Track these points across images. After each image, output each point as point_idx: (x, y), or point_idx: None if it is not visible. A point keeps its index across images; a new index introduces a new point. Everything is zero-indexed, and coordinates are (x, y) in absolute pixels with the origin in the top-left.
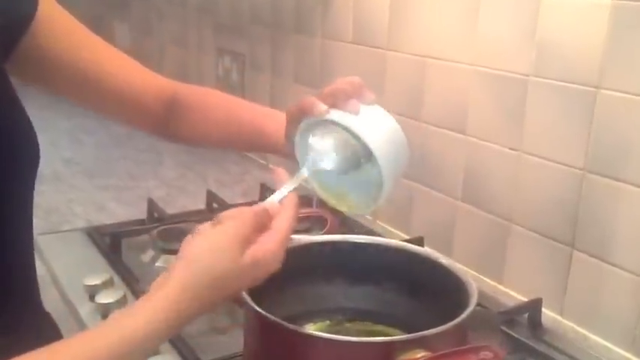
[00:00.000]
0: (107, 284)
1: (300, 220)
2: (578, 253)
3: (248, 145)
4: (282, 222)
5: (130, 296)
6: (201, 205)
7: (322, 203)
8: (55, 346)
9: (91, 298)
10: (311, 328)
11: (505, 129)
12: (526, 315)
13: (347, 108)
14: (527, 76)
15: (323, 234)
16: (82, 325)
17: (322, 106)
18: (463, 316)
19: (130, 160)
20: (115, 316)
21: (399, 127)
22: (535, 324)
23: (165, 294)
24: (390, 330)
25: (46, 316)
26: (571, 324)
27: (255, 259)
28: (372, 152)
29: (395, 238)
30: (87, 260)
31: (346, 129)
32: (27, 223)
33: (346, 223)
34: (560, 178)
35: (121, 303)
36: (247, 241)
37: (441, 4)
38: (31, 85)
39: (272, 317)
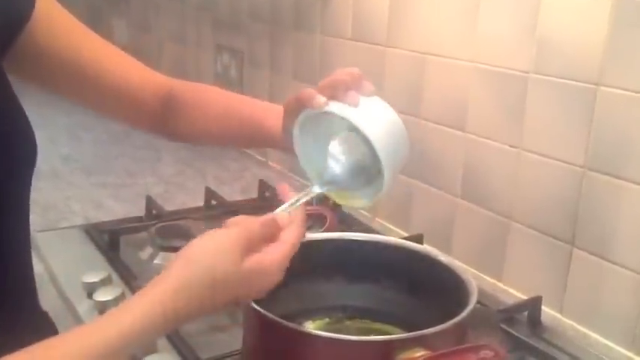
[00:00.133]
0: (105, 282)
1: None
2: (578, 251)
3: (248, 140)
4: (290, 235)
5: (128, 294)
6: (199, 202)
7: (321, 201)
8: (51, 342)
9: (89, 295)
10: (310, 326)
11: (505, 126)
12: (525, 313)
13: (346, 100)
14: (528, 73)
15: (322, 231)
16: (79, 323)
17: (321, 98)
18: (463, 314)
19: (129, 157)
20: (112, 311)
21: (400, 119)
22: (535, 322)
23: (163, 289)
24: (389, 328)
25: (44, 315)
26: (571, 322)
27: (259, 267)
28: (372, 144)
29: (394, 236)
30: (85, 257)
31: (345, 121)
32: (24, 220)
33: (345, 221)
34: (560, 175)
35: (119, 301)
36: (250, 248)
37: (440, 1)
38: (29, 83)
39: (271, 315)
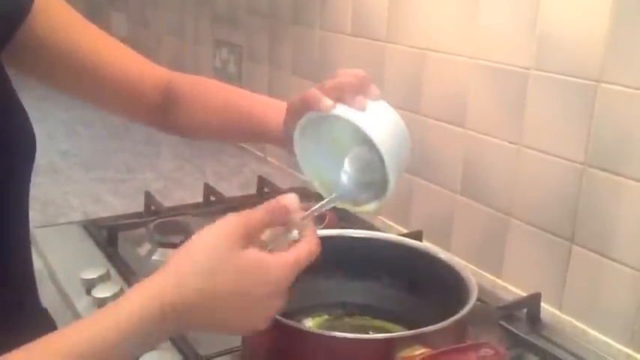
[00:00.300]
0: (104, 278)
1: None
2: (578, 248)
3: (247, 134)
4: (298, 250)
5: (126, 290)
6: (198, 198)
7: (321, 198)
8: (50, 337)
9: (88, 292)
10: (309, 323)
11: (505, 122)
12: (525, 310)
13: (354, 105)
14: (528, 69)
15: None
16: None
17: (328, 101)
18: (463, 312)
19: (127, 153)
20: (110, 305)
21: (403, 123)
22: (534, 319)
23: (161, 284)
24: (389, 325)
25: (44, 312)
26: (570, 319)
27: (260, 262)
28: (379, 152)
29: (394, 232)
30: (83, 253)
31: (349, 124)
32: (23, 216)
33: (345, 218)
34: (560, 172)
35: (118, 297)
36: (250, 234)
37: None
38: (28, 76)
39: None
